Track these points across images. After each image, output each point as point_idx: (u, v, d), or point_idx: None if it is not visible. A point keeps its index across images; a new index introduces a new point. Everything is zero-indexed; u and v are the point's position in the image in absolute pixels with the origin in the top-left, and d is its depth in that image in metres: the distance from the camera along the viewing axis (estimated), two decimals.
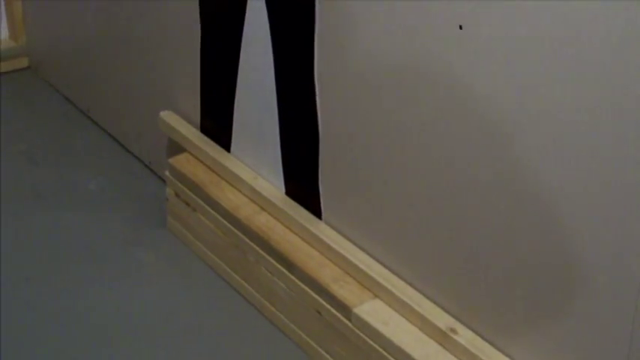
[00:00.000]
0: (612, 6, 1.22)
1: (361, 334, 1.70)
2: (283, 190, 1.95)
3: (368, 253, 1.77)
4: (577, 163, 1.34)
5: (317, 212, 1.87)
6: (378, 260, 1.75)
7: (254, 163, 2.01)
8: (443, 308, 1.64)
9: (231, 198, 2.00)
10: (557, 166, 1.36)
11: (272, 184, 1.97)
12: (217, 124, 2.09)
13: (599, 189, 1.31)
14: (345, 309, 1.73)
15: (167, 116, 2.21)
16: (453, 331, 1.60)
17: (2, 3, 2.86)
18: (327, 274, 1.80)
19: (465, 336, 1.59)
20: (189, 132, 2.14)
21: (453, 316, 1.62)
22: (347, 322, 1.73)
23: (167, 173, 2.15)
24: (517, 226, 1.46)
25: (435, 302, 1.65)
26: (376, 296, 1.73)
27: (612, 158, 1.29)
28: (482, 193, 1.50)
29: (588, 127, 1.31)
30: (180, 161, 2.12)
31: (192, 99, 2.15)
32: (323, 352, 1.82)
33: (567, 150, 1.34)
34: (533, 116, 1.38)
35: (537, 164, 1.39)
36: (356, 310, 1.71)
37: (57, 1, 2.67)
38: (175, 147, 2.18)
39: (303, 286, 1.82)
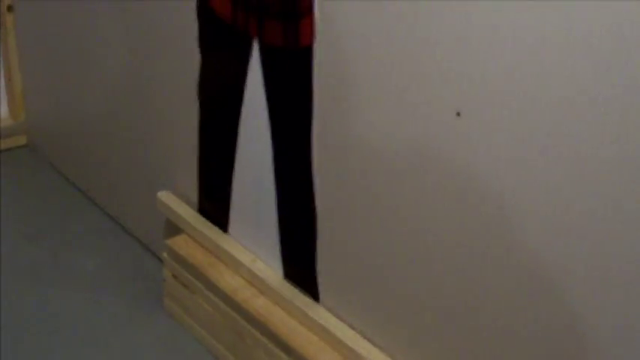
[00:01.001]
0: (609, 95, 1.23)
1: None
2: (281, 272, 1.94)
3: (367, 338, 1.75)
4: (580, 241, 1.33)
5: (315, 295, 1.86)
6: (376, 345, 1.74)
7: (252, 245, 2.00)
8: None
9: (229, 281, 1.99)
10: (560, 245, 1.35)
11: (270, 267, 1.96)
12: (215, 204, 2.09)
13: (603, 263, 1.30)
14: None
15: (165, 197, 2.20)
16: None
17: (2, 80, 2.88)
18: (326, 359, 1.78)
19: None
20: (187, 213, 2.14)
21: None
22: None
23: (165, 255, 2.14)
24: (525, 309, 1.45)
25: None
26: None
27: (615, 232, 1.28)
28: (486, 276, 1.49)
29: (590, 207, 1.30)
30: (178, 243, 2.11)
31: (189, 179, 2.15)
32: None
33: (569, 228, 1.34)
34: (532, 197, 1.37)
35: (540, 245, 1.38)
36: None
37: (57, 79, 2.68)
38: (173, 227, 2.17)
39: None
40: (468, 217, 1.48)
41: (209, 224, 2.09)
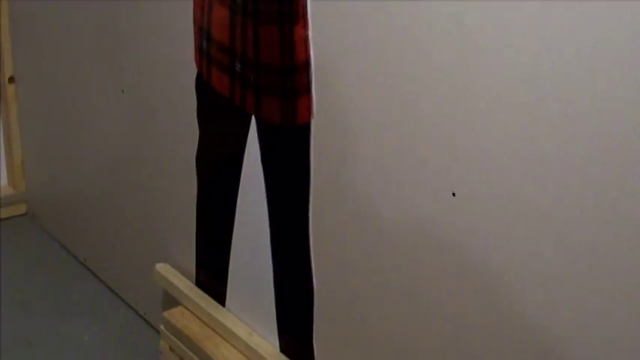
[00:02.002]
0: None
1: None
2: (278, 346, 1.94)
3: None
4: (579, 313, 1.33)
5: None
6: None
7: (249, 318, 2.00)
8: None
9: (225, 354, 1.98)
10: (559, 318, 1.36)
11: (267, 341, 1.96)
12: (212, 277, 2.09)
13: (605, 335, 1.30)
14: None
15: (162, 269, 2.21)
16: None
17: (2, 150, 2.90)
18: None
19: None
20: (184, 285, 2.14)
21: None
22: None
23: (162, 327, 2.14)
24: None
25: None
26: None
27: (617, 306, 1.28)
28: (486, 349, 1.49)
29: (588, 279, 1.31)
30: (175, 315, 2.11)
31: (187, 252, 2.16)
32: None
33: (567, 300, 1.34)
34: (528, 270, 1.38)
35: (538, 317, 1.38)
36: None
37: (57, 149, 2.70)
38: (170, 299, 2.18)
39: None
40: (465, 291, 1.49)
41: (206, 297, 2.09)
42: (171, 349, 2.11)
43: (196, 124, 2.02)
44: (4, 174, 2.94)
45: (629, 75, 1.18)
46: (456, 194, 1.44)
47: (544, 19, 1.26)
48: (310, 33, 1.62)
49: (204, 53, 1.89)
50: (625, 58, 1.18)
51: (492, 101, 1.36)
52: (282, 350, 1.93)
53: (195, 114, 2.02)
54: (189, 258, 2.16)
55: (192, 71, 1.97)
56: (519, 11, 1.29)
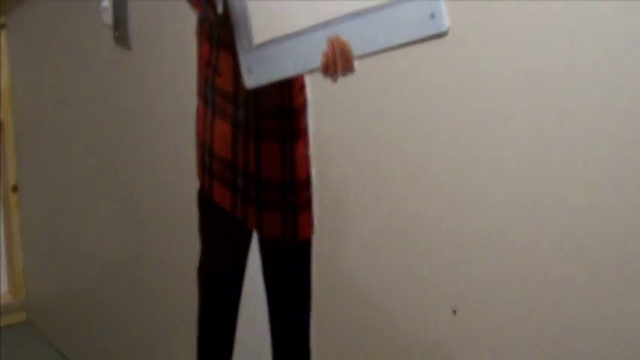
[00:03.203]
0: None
1: None
2: None
3: None
4: None
5: None
6: None
7: None
8: None
9: None
10: None
11: None
12: None
13: None
14: None
15: None
16: None
17: (3, 258, 2.90)
18: None
19: None
20: None
21: None
22: None
23: None
24: None
25: None
26: None
27: None
28: None
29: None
30: None
31: None
32: None
33: None
34: None
35: None
36: None
37: (58, 259, 2.71)
38: None
39: None
40: None
41: None
42: None
43: (198, 236, 2.03)
44: (5, 281, 2.93)
45: None
46: (456, 312, 1.45)
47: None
48: (311, 150, 1.64)
49: (206, 167, 1.91)
50: None
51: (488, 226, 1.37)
52: None
53: (196, 226, 2.03)
54: None
55: (194, 183, 1.99)
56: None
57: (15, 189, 2.80)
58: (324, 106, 1.64)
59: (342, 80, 1.35)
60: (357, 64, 1.34)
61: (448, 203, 1.45)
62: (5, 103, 2.76)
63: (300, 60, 1.43)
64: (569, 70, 1.28)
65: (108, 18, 2.36)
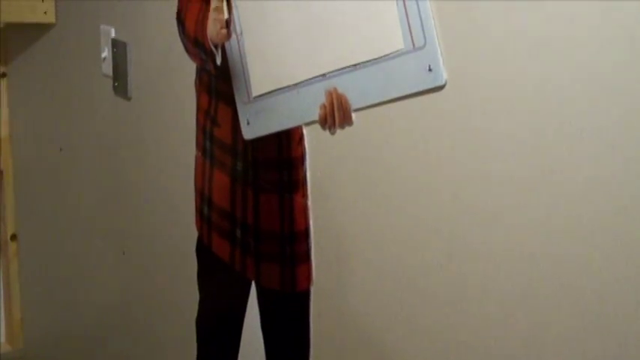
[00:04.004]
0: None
1: None
2: None
3: None
4: None
5: None
6: None
7: None
8: None
9: None
10: None
11: None
12: None
13: None
14: None
15: None
16: None
17: (1, 307, 2.89)
18: None
19: None
20: None
21: None
22: None
23: None
24: None
25: None
26: None
27: None
28: None
29: None
30: None
31: None
32: None
33: None
34: None
35: None
36: None
37: (57, 306, 2.70)
38: None
39: None
40: None
41: None
42: None
43: (196, 286, 2.02)
44: (3, 331, 2.92)
45: None
46: None
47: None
48: (310, 202, 1.64)
49: (205, 218, 1.90)
50: None
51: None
52: None
53: (195, 277, 2.02)
54: None
55: (192, 232, 1.98)
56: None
57: (14, 237, 2.79)
58: (322, 157, 1.64)
59: (341, 131, 1.35)
60: (354, 116, 1.34)
61: (449, 252, 1.45)
62: (5, 151, 2.77)
63: (298, 112, 1.43)
64: (569, 122, 1.29)
65: (108, 68, 2.37)
